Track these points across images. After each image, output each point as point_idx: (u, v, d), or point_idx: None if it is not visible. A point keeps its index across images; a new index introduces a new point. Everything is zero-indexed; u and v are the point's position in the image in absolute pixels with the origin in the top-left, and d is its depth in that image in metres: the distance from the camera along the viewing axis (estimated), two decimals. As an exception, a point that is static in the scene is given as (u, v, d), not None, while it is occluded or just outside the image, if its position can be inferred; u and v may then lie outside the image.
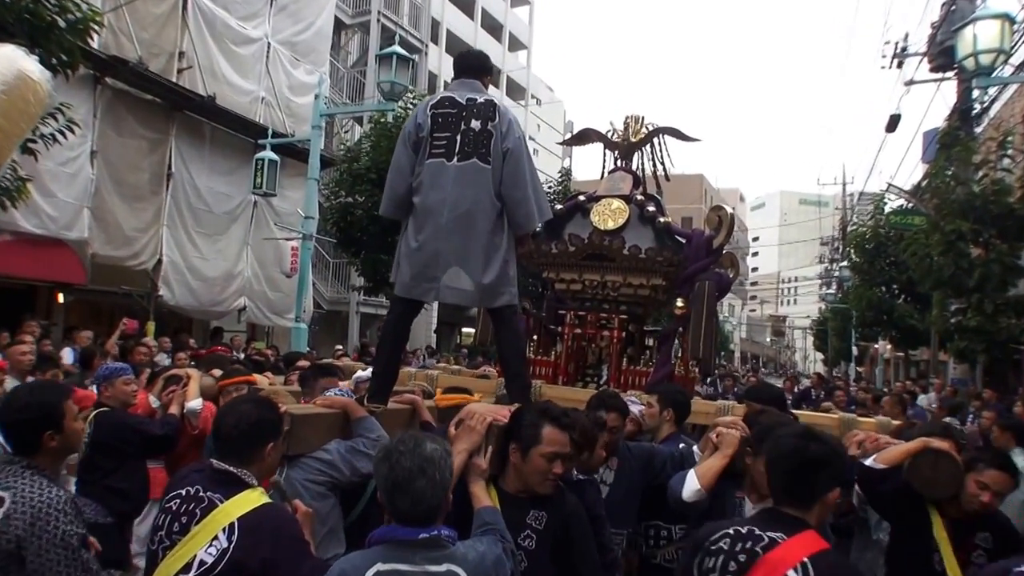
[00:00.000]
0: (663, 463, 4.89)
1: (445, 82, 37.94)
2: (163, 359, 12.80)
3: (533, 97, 52.76)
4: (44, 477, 3.28)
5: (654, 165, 7.77)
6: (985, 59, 11.68)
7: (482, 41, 44.14)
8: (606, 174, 7.87)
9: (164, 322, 17.45)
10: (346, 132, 28.40)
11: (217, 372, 6.09)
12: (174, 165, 17.30)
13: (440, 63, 37.78)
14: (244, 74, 19.06)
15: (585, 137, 8.15)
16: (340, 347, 20.16)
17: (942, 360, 24.25)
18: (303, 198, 17.20)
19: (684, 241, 6.89)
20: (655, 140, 7.72)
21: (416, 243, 4.60)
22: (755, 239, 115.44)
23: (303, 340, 15.64)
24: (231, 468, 3.18)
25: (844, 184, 55.37)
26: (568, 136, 8.47)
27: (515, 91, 49.06)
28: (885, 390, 19.03)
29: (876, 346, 38.24)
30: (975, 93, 17.06)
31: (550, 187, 29.29)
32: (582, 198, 7.58)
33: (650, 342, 7.47)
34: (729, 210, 6.82)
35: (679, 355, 6.97)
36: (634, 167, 7.76)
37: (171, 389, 5.99)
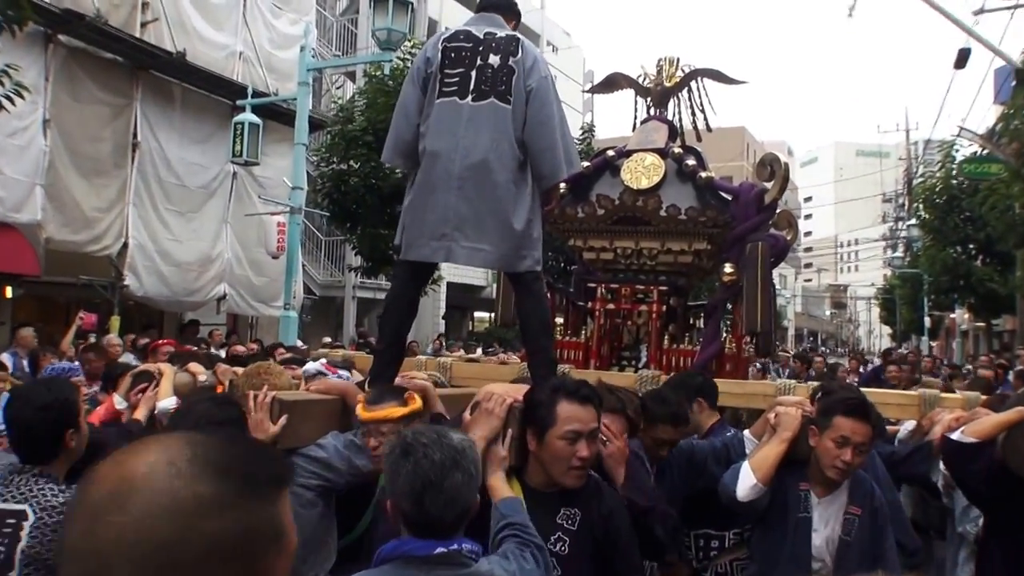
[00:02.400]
0: (703, 459, 4.72)
1: (446, 29, 37.74)
2: (131, 361, 12.73)
3: (548, 44, 52.44)
4: (60, 484, 3.42)
5: (692, 114, 7.69)
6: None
7: (487, -19, 43.76)
8: (637, 125, 7.81)
9: (130, 316, 17.37)
10: (338, 89, 28.30)
11: (196, 368, 5.95)
12: (140, 133, 17.21)
13: (441, 8, 37.58)
14: (218, 26, 19.01)
15: (613, 83, 8.08)
16: (329, 338, 20.01)
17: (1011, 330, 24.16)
18: (290, 166, 17.12)
19: (730, 198, 6.81)
20: (693, 84, 7.64)
21: (423, 195, 4.51)
22: (807, 199, 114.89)
23: (293, 331, 15.63)
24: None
25: (907, 131, 54.82)
26: (591, 84, 8.40)
27: (528, 37, 48.26)
28: (969, 368, 18.73)
29: (952, 316, 37.95)
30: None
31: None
32: (611, 153, 7.50)
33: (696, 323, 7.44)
34: (782, 159, 6.72)
35: (729, 330, 6.89)
36: (669, 117, 7.69)
37: (140, 387, 5.88)
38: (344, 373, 4.86)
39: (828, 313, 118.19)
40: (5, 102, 9.82)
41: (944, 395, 5.75)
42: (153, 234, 17.59)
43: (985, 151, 22.97)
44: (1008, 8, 21.25)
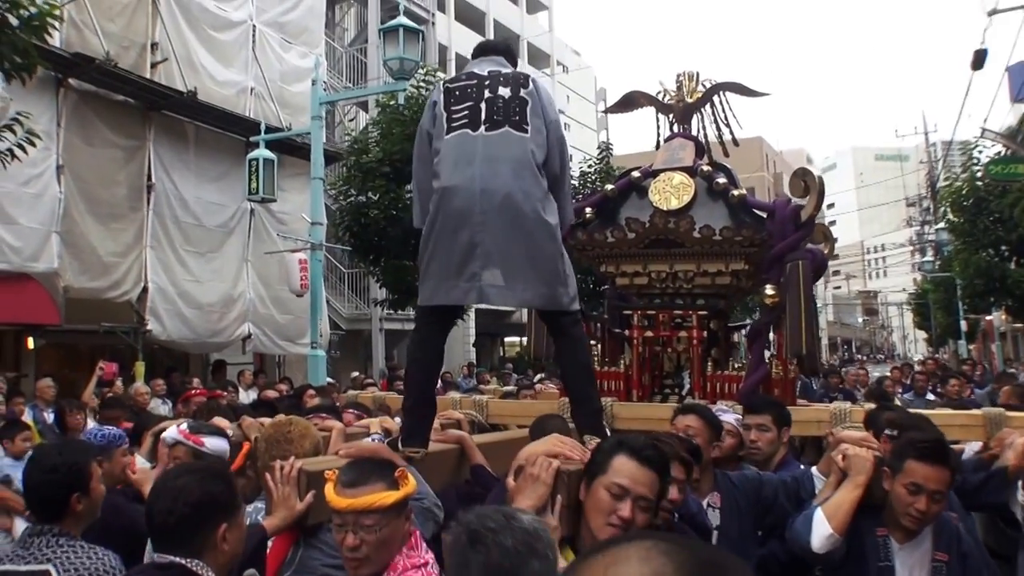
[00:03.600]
0: (774, 493, 4.49)
1: (456, 54, 37.82)
2: (159, 407, 12.60)
3: (559, 64, 52.44)
4: (80, 542, 3.46)
5: (717, 128, 7.52)
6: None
7: (496, 4, 43.97)
8: (661, 143, 7.64)
9: (155, 359, 17.24)
10: (351, 120, 28.26)
11: (221, 423, 5.68)
12: (155, 174, 17.12)
13: (450, 33, 37.67)
14: (228, 63, 18.93)
15: (632, 102, 7.93)
16: (357, 373, 19.86)
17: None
18: (307, 200, 16.98)
19: (766, 215, 6.61)
20: (715, 98, 7.47)
21: (444, 235, 4.15)
22: (830, 206, 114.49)
23: (322, 369, 15.45)
24: (178, 559, 2.96)
25: (926, 134, 54.68)
26: (605, 104, 8.23)
27: (538, 59, 48.83)
28: (1013, 370, 18.42)
29: (988, 318, 37.48)
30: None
31: (589, 164, 29.09)
32: (637, 174, 7.31)
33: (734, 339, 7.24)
34: (817, 173, 6.52)
35: (773, 353, 6.66)
36: (693, 133, 7.53)
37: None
38: (212, 442, 4.53)
39: (861, 320, 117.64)
40: (17, 151, 9.68)
41: (1011, 414, 5.50)
42: (173, 276, 17.43)
43: (1007, 151, 22.77)
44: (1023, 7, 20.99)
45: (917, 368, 20.52)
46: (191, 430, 4.68)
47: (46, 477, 3.56)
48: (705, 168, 6.93)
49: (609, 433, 4.26)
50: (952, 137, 35.70)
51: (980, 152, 26.32)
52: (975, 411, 5.85)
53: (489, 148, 4.12)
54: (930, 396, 13.17)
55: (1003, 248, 26.26)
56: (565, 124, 41.23)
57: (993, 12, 21.68)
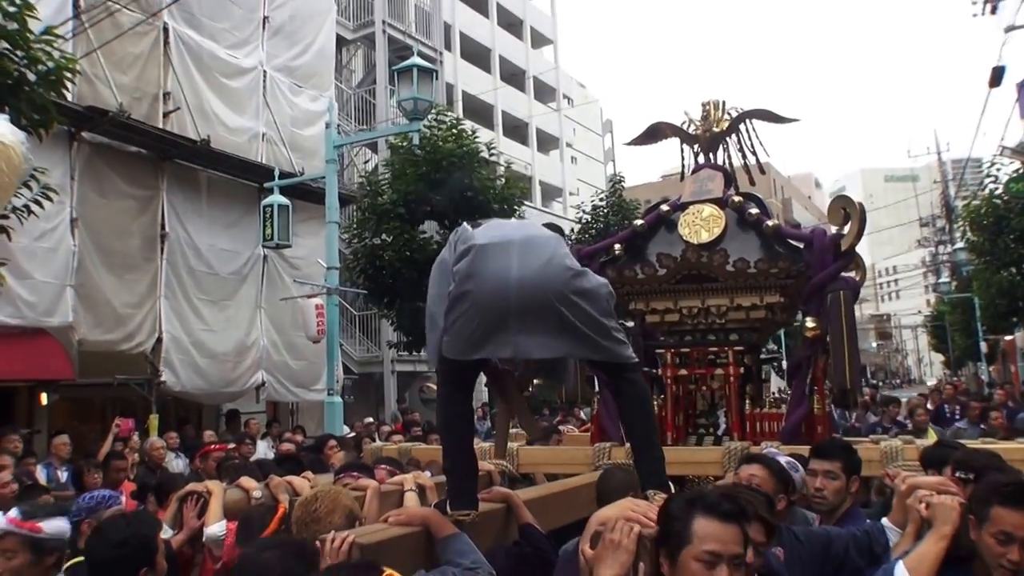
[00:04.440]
0: (844, 549, 4.16)
1: (463, 92, 37.79)
2: (174, 461, 12.43)
3: (565, 97, 52.49)
4: None
5: (744, 157, 7.37)
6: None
7: (501, 41, 44.12)
8: (687, 175, 7.50)
9: (167, 412, 17.05)
10: (366, 163, 28.21)
11: (249, 483, 5.47)
12: (168, 224, 17.01)
13: (456, 72, 37.62)
14: (239, 110, 18.90)
15: (656, 133, 7.85)
16: (370, 419, 19.60)
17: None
18: (319, 245, 16.84)
19: (802, 245, 6.44)
20: (742, 126, 7.33)
21: (478, 293, 3.81)
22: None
23: (339, 417, 15.25)
24: None
25: (939, 153, 54.49)
26: (612, 136, 8.10)
27: (544, 93, 48.87)
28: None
29: (1009, 338, 36.96)
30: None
31: (601, 198, 29.01)
32: (665, 208, 7.22)
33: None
34: (856, 200, 6.33)
35: (813, 387, 6.43)
36: (720, 162, 7.38)
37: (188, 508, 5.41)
38: (51, 526, 4.31)
39: (875, 345, 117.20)
40: (33, 206, 9.60)
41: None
42: (187, 326, 17.28)
43: (1024, 169, 22.60)
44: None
45: (946, 392, 20.09)
46: (23, 516, 4.34)
47: (115, 552, 3.57)
48: (736, 199, 6.79)
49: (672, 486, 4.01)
50: (968, 155, 35.56)
51: (998, 170, 26.04)
52: None
53: (526, 246, 3.85)
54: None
55: (1024, 266, 25.92)
56: (572, 157, 41.42)
57: (1010, 28, 21.57)
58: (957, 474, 4.18)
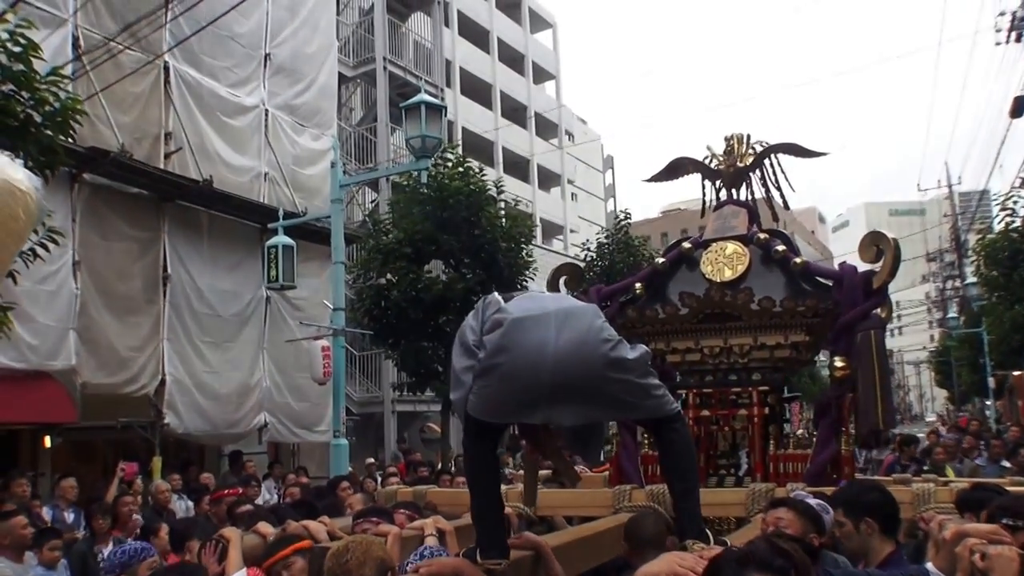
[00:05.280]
0: None
1: (463, 128, 37.86)
2: (177, 503, 12.34)
3: (567, 133, 52.67)
4: None
5: (768, 193, 7.34)
6: None
7: (503, 76, 44.32)
8: (708, 211, 7.48)
9: (168, 454, 16.93)
10: (373, 203, 28.19)
11: (266, 529, 5.42)
12: (170, 266, 16.96)
13: (456, 108, 37.67)
14: (241, 149, 18.88)
15: (678, 168, 7.85)
16: (371, 460, 19.55)
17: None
18: (323, 285, 16.79)
19: (831, 283, 6.38)
20: (768, 161, 7.31)
21: (513, 365, 3.69)
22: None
23: (344, 459, 15.09)
24: None
25: (950, 186, 54.30)
26: (613, 172, 8.10)
27: (545, 129, 49.09)
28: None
29: (1017, 374, 36.73)
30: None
31: (606, 235, 29.00)
32: (687, 245, 7.19)
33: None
34: (890, 236, 6.26)
35: (840, 428, 6.36)
36: (744, 198, 7.36)
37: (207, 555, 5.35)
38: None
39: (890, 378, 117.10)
40: (39, 250, 9.55)
41: None
42: (190, 368, 17.23)
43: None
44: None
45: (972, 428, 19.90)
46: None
47: None
48: (761, 236, 6.75)
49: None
50: (985, 186, 35.55)
51: (1015, 203, 25.94)
52: None
53: (563, 317, 3.74)
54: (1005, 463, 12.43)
55: (1040, 301, 25.78)
56: (572, 194, 41.42)
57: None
58: (1004, 521, 4.09)
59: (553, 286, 7.52)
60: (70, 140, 10.56)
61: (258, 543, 5.19)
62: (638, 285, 7.11)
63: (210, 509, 10.22)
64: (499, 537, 4.03)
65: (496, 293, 4.00)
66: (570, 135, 53.92)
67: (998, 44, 24.89)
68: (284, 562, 4.80)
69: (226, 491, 10.76)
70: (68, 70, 13.28)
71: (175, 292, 17.01)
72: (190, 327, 17.33)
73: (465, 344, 3.83)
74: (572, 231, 49.51)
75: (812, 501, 4.77)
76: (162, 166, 16.68)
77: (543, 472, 6.76)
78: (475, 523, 4.16)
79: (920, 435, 19.43)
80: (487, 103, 43.03)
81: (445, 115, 14.84)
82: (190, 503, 12.28)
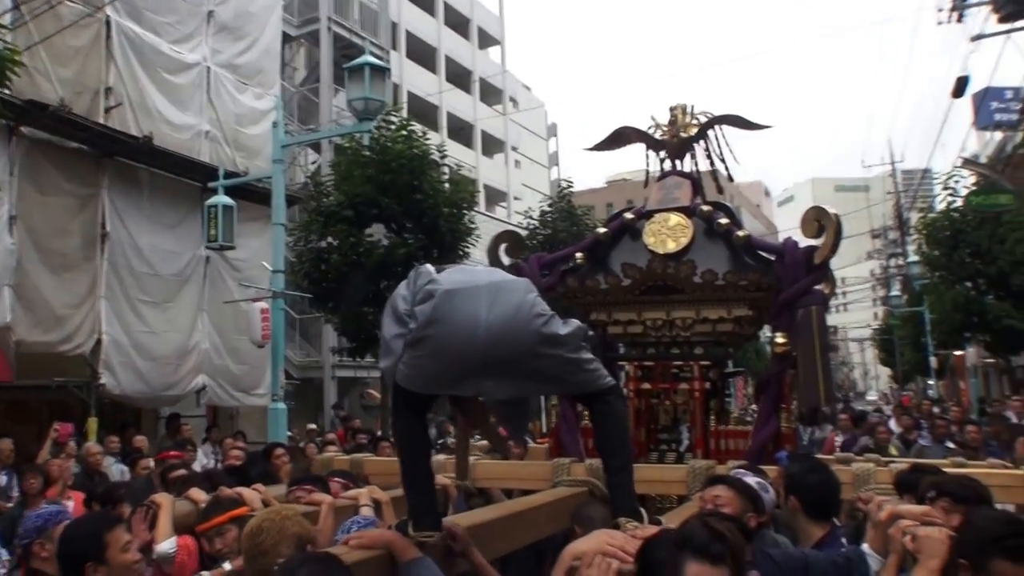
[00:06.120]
0: (823, 575, 4.03)
1: (408, 92, 37.63)
2: (114, 466, 12.19)
3: (511, 99, 52.56)
4: None
5: (712, 164, 7.31)
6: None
7: (448, 41, 44.17)
8: (651, 182, 7.42)
9: (105, 416, 16.71)
10: (313, 163, 27.91)
11: (198, 495, 5.32)
12: (109, 223, 16.68)
13: (401, 71, 37.45)
14: (182, 107, 18.60)
15: (621, 138, 7.75)
16: (313, 425, 19.47)
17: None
18: (263, 246, 16.61)
19: (773, 258, 6.36)
20: (712, 133, 7.26)
21: (437, 344, 3.64)
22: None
23: (282, 423, 14.94)
24: None
25: (893, 163, 54.80)
26: (556, 140, 8.03)
27: (489, 94, 49.04)
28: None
29: (959, 354, 37.13)
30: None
31: (549, 204, 28.97)
32: (629, 215, 7.12)
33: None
34: (832, 211, 6.23)
35: (781, 405, 6.34)
36: (688, 169, 7.32)
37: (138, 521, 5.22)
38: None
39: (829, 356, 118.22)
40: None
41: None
42: (127, 328, 16.97)
43: (976, 183, 22.79)
44: (1004, 32, 21.03)
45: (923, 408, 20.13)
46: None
47: (61, 549, 3.95)
48: (704, 208, 6.71)
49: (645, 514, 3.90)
50: (926, 166, 35.85)
51: (956, 182, 26.24)
52: (1016, 470, 5.54)
53: (494, 292, 3.66)
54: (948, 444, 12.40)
55: (980, 281, 26.07)
56: (516, 161, 41.44)
57: (977, 37, 21.70)
58: (940, 503, 4.10)
59: (493, 254, 7.44)
60: (7, 92, 10.34)
61: (191, 510, 5.09)
62: (579, 255, 7.04)
63: (156, 471, 10.08)
64: (431, 508, 3.93)
65: (428, 264, 3.93)
66: (514, 101, 53.77)
67: (940, 24, 25.04)
68: (218, 529, 4.76)
69: (171, 453, 10.66)
70: (7, 20, 13.05)
71: (113, 250, 16.75)
72: (128, 286, 17.08)
73: (396, 312, 3.72)
74: (516, 198, 49.49)
75: (752, 479, 4.74)
76: (102, 121, 16.39)
77: (484, 443, 6.72)
78: (406, 494, 4.09)
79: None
80: (432, 67, 42.87)
81: (389, 77, 14.68)
82: (125, 467, 12.12)
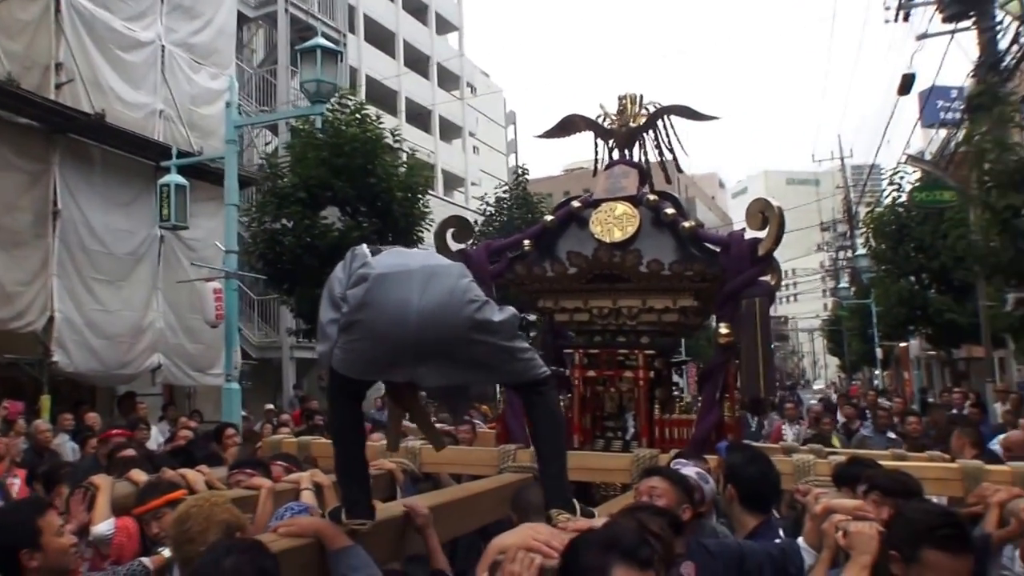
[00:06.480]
0: (758, 567, 3.96)
1: (367, 76, 37.44)
2: (67, 444, 12.05)
3: (468, 85, 52.54)
4: None
5: (660, 154, 7.28)
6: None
7: (406, 26, 44.07)
8: (599, 170, 7.39)
9: (60, 394, 16.52)
10: (267, 144, 27.67)
11: (138, 476, 5.24)
12: (60, 200, 16.38)
13: (360, 55, 37.30)
14: (136, 85, 18.31)
15: (570, 126, 7.71)
16: (271, 405, 19.31)
17: (977, 357, 23.93)
18: (219, 226, 16.45)
19: (719, 249, 6.34)
20: (660, 123, 7.24)
21: (375, 323, 3.52)
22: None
23: (236, 404, 14.85)
24: None
25: (842, 159, 55.32)
26: (515, 127, 7.98)
27: (447, 80, 48.97)
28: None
29: (903, 345, 37.71)
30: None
31: (505, 190, 28.91)
32: (576, 204, 7.08)
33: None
34: (776, 204, 6.22)
35: (724, 395, 6.33)
36: (636, 158, 7.28)
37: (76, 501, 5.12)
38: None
39: (772, 347, 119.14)
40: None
41: (991, 468, 5.21)
42: (80, 306, 16.72)
43: (919, 179, 23.05)
44: (948, 32, 21.29)
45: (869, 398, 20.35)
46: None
47: None
48: (651, 197, 6.68)
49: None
50: (873, 161, 36.22)
51: (902, 178, 26.54)
52: (951, 464, 5.56)
53: (426, 276, 3.56)
54: (890, 434, 12.40)
55: (924, 276, 26.36)
56: (474, 147, 41.41)
57: (922, 36, 21.95)
58: (872, 496, 4.11)
59: (440, 239, 7.38)
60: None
61: (131, 492, 4.99)
62: (527, 241, 7.00)
63: (97, 450, 9.93)
64: (363, 496, 3.85)
65: (364, 246, 3.83)
66: (472, 88, 53.80)
67: (887, 22, 25.35)
68: (155, 513, 4.64)
69: (114, 431, 10.48)
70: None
71: (65, 227, 16.46)
72: (81, 263, 16.81)
73: (332, 296, 3.62)
74: (473, 184, 49.58)
75: (692, 470, 4.71)
76: (53, 97, 16.08)
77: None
78: (339, 482, 4.03)
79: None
80: (391, 52, 42.71)
81: (341, 60, 14.58)
82: (76, 445, 11.98)
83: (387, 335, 3.47)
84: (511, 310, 3.70)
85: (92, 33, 17.13)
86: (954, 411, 15.38)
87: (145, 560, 4.25)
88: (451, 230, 7.41)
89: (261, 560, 2.86)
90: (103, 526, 4.71)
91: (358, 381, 3.77)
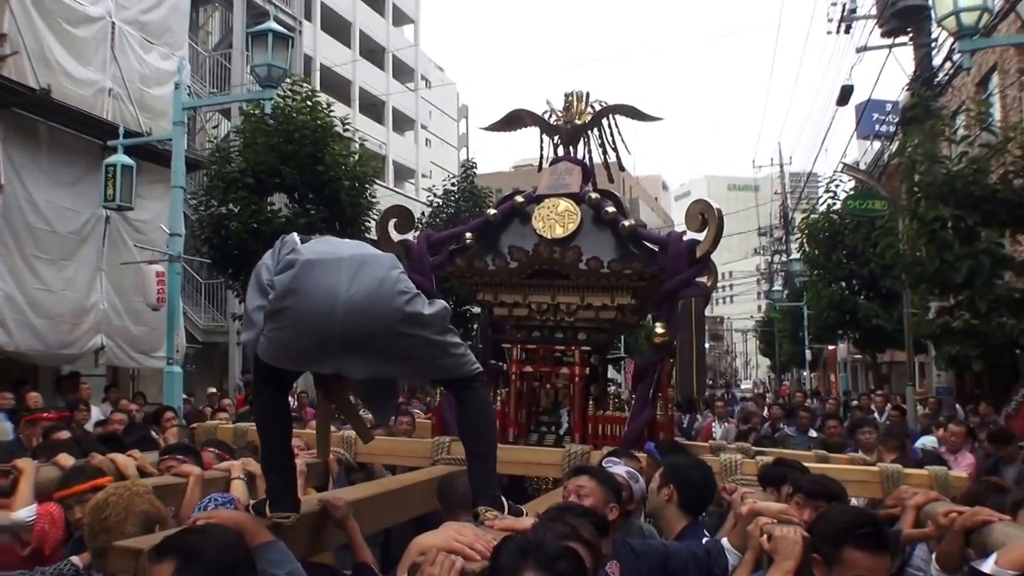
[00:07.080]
0: (683, 567, 3.92)
1: (321, 64, 37.18)
2: (4, 423, 11.79)
3: (422, 78, 52.43)
4: None
5: (604, 153, 7.23)
6: (968, 18, 11.18)
7: (363, 16, 43.86)
8: (545, 166, 7.32)
9: (3, 372, 16.19)
10: (214, 128, 27.31)
11: (65, 460, 5.06)
12: (4, 175, 15.95)
13: (316, 43, 37.08)
14: (85, 61, 17.89)
15: (516, 121, 7.63)
16: (213, 389, 19.09)
17: (900, 362, 24.19)
18: (166, 209, 16.18)
19: (657, 248, 6.30)
20: (605, 121, 7.18)
21: (295, 315, 3.41)
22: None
23: (178, 386, 14.57)
24: None
25: (782, 166, 55.91)
26: (467, 121, 7.88)
27: (402, 72, 48.85)
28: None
29: (832, 348, 38.25)
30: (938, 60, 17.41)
31: (453, 183, 28.82)
32: (520, 199, 7.00)
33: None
34: (715, 206, 6.18)
35: (658, 393, 6.29)
36: (580, 156, 7.23)
37: None
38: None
39: (707, 346, 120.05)
40: None
41: (909, 471, 5.24)
42: (22, 284, 16.38)
43: (853, 188, 23.34)
44: (886, 47, 21.65)
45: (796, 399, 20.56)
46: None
47: None
48: (593, 195, 6.63)
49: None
50: (810, 169, 36.74)
51: (837, 186, 26.83)
52: (872, 467, 5.60)
53: (354, 264, 3.45)
54: (812, 433, 12.57)
55: (854, 282, 26.65)
56: (427, 140, 41.27)
57: (862, 49, 22.23)
58: (795, 498, 4.11)
59: (382, 229, 7.28)
60: None
61: (56, 476, 4.83)
62: (469, 234, 6.92)
63: (23, 432, 9.67)
64: (289, 488, 3.74)
65: (295, 234, 3.71)
66: (426, 80, 53.74)
67: (829, 33, 25.79)
68: (78, 497, 4.46)
69: (45, 414, 10.20)
70: None
71: (8, 204, 16.08)
72: (24, 242, 16.45)
73: (259, 282, 3.47)
74: (424, 176, 49.49)
75: (622, 469, 4.65)
76: (-4, 70, 15.71)
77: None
78: (264, 473, 3.90)
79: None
80: (346, 41, 42.50)
81: (293, 46, 14.39)
82: (11, 424, 11.71)
83: (314, 324, 3.35)
84: (441, 303, 3.60)
85: (39, 5, 16.68)
86: (872, 415, 15.62)
87: (75, 559, 4.06)
88: (393, 220, 7.30)
89: (229, 553, 2.80)
90: (24, 512, 4.55)
91: (284, 371, 3.66)
